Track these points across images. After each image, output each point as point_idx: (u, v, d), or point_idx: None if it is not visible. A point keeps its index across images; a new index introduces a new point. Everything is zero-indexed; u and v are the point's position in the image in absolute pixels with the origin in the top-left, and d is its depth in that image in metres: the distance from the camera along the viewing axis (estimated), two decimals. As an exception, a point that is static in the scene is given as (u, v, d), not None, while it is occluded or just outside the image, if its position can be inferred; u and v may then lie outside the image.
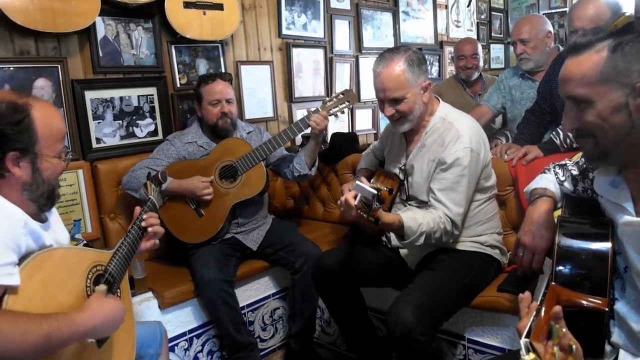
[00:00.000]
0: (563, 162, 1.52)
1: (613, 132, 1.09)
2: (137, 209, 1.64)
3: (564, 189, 1.49)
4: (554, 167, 1.54)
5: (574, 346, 0.80)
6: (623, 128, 1.07)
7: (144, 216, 1.60)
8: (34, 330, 1.10)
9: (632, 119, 1.06)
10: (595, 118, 1.09)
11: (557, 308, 0.90)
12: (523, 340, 0.84)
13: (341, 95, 2.46)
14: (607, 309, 1.09)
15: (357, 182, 1.58)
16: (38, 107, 1.29)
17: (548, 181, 1.50)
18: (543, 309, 0.98)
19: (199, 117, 2.54)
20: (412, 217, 1.81)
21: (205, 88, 2.46)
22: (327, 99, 2.47)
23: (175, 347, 2.29)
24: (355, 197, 1.62)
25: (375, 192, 1.52)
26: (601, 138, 1.12)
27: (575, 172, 1.46)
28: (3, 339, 1.06)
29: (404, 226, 1.79)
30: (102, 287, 1.36)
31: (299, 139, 3.34)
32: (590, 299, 1.09)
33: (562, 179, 1.49)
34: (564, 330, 0.81)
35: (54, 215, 1.46)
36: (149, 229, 1.60)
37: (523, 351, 0.81)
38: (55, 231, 1.42)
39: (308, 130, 2.45)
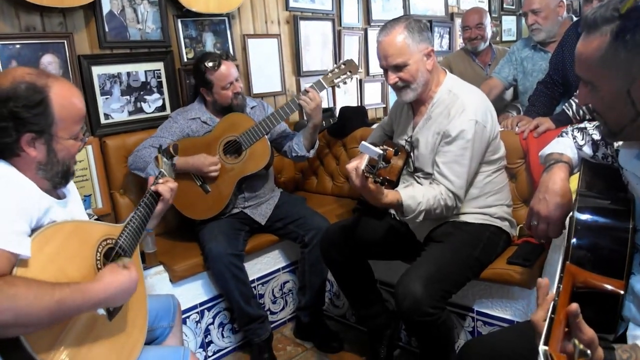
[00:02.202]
0: (582, 126, 1.46)
1: (617, 118, 1.08)
2: (151, 179, 1.66)
3: (583, 153, 1.43)
4: (573, 131, 1.48)
5: None
6: (627, 115, 1.05)
7: (160, 181, 1.63)
8: (47, 295, 1.11)
9: (637, 108, 1.03)
10: (598, 102, 1.09)
11: (574, 306, 0.88)
12: (542, 349, 0.83)
13: (343, 66, 2.44)
14: (623, 292, 1.07)
15: (363, 142, 1.57)
16: (58, 88, 1.27)
17: (565, 145, 1.45)
18: (559, 300, 0.96)
19: (206, 98, 2.51)
20: (411, 196, 1.80)
21: (215, 74, 2.41)
22: (329, 70, 2.45)
23: (187, 320, 2.32)
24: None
25: (381, 151, 1.52)
26: (606, 120, 1.12)
27: (596, 136, 1.41)
28: (19, 302, 1.07)
29: (403, 204, 1.79)
30: (126, 259, 1.37)
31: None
32: (606, 282, 1.07)
33: (581, 143, 1.43)
34: (588, 352, 0.79)
35: (72, 192, 1.47)
36: (161, 193, 1.63)
37: None
38: (72, 209, 1.43)
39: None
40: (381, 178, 1.58)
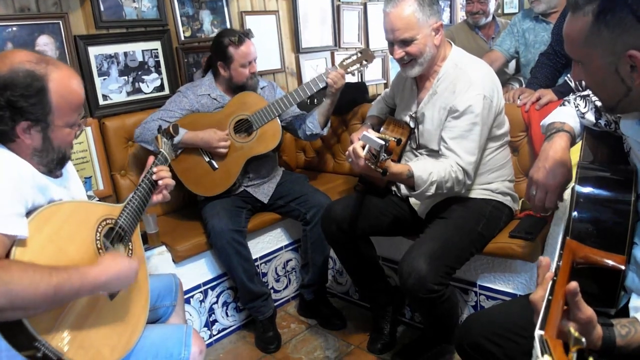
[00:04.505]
0: (585, 93, 1.44)
1: (608, 94, 1.08)
2: (150, 159, 1.64)
3: (586, 121, 1.42)
4: (575, 99, 1.46)
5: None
6: (617, 91, 1.05)
7: (154, 169, 1.60)
8: (44, 281, 1.11)
9: (626, 84, 1.03)
10: (589, 79, 1.10)
11: (573, 285, 0.88)
12: (537, 333, 0.82)
13: (359, 54, 2.42)
14: (624, 268, 1.07)
15: (365, 132, 1.55)
16: (57, 76, 1.25)
17: (567, 115, 1.44)
18: (558, 279, 0.95)
19: (221, 74, 2.46)
20: (422, 167, 1.79)
21: (237, 51, 2.37)
22: (345, 57, 2.43)
23: (191, 299, 2.33)
24: (363, 148, 1.61)
25: (383, 142, 1.49)
26: (600, 96, 1.13)
27: (599, 103, 1.38)
28: (13, 288, 1.07)
29: (414, 176, 1.76)
30: (121, 249, 1.40)
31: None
32: (607, 257, 1.06)
33: (584, 110, 1.41)
34: (583, 340, 0.78)
35: (70, 172, 1.46)
36: (160, 182, 1.60)
37: (538, 351, 0.78)
38: (71, 188, 1.42)
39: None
40: (382, 170, 1.57)
